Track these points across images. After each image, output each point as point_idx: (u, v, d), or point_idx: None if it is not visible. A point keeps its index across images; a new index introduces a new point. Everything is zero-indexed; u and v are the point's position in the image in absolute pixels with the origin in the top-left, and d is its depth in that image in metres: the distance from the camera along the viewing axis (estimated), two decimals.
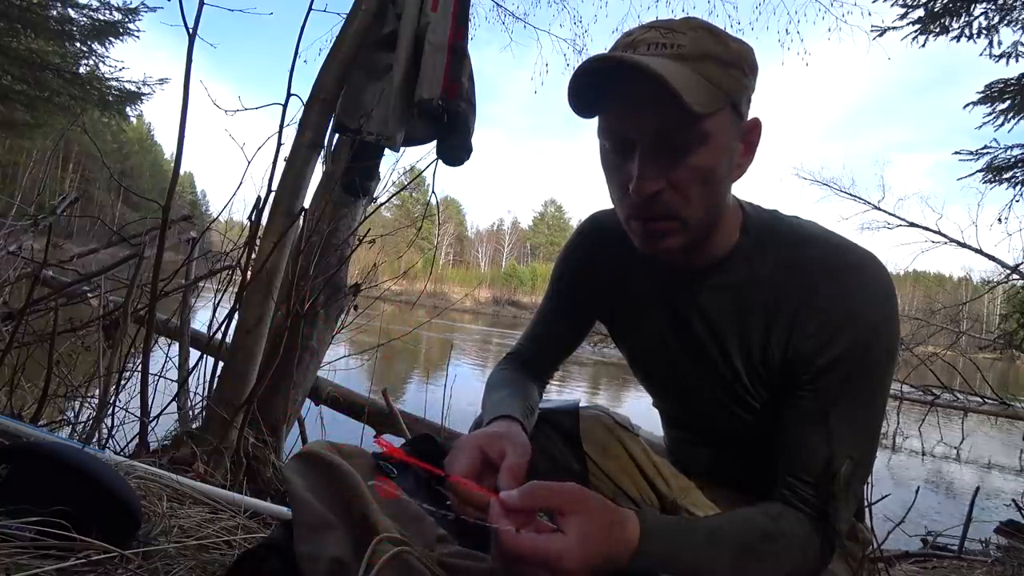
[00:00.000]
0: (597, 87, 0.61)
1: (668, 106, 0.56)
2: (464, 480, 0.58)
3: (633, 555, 0.52)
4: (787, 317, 0.66)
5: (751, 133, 0.66)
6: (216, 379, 1.56)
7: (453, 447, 0.64)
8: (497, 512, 0.51)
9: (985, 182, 5.92)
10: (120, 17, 9.57)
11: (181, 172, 1.53)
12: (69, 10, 9.26)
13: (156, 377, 1.64)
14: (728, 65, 0.61)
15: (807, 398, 0.65)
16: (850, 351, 0.63)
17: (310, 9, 1.71)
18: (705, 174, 0.62)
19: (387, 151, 1.74)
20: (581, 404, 0.89)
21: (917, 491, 1.61)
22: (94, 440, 1.40)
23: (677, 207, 0.63)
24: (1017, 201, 5.93)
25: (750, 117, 0.66)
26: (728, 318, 0.71)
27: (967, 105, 5.57)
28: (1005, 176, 5.78)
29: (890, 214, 10.20)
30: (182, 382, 1.75)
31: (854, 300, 0.63)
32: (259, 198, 1.60)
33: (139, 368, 1.52)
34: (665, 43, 0.60)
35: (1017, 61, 5.06)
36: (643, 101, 0.59)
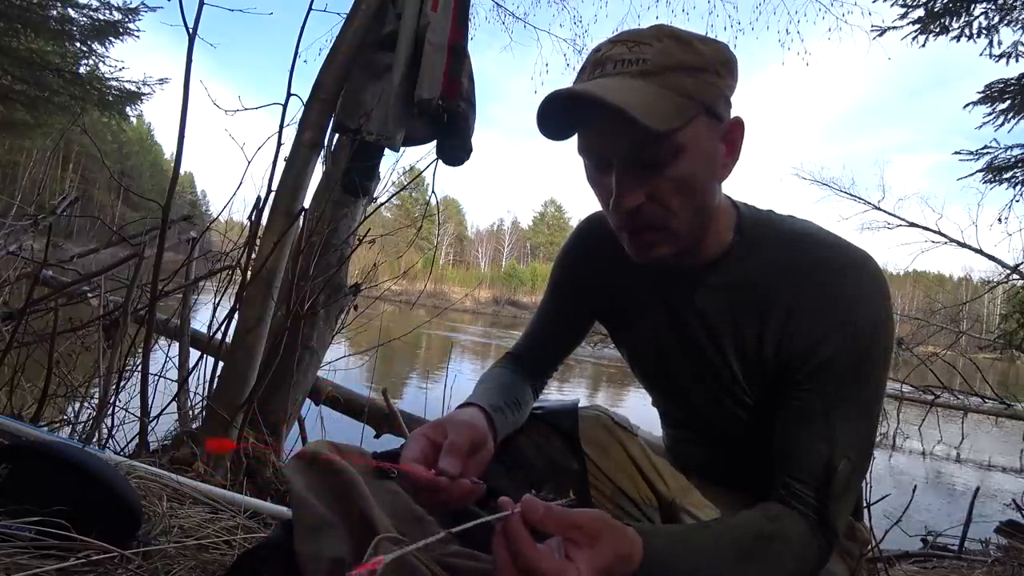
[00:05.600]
0: (566, 112, 0.62)
1: (633, 128, 0.57)
2: (409, 466, 0.58)
3: (634, 574, 0.52)
4: (781, 316, 0.66)
5: (732, 133, 0.66)
6: (216, 379, 1.56)
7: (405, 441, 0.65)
8: (515, 523, 0.48)
9: (985, 182, 5.91)
10: (120, 17, 9.53)
11: (181, 172, 1.53)
12: (69, 10, 9.22)
13: (156, 377, 1.65)
14: (699, 71, 0.61)
15: (802, 398, 0.65)
16: (844, 351, 0.63)
17: (310, 9, 1.72)
18: (684, 183, 0.62)
19: (387, 151, 1.74)
20: (580, 404, 0.89)
21: (914, 490, 1.61)
22: (94, 440, 1.40)
23: (661, 218, 0.63)
24: (1017, 201, 5.93)
25: (732, 116, 0.66)
26: (724, 318, 0.71)
27: (967, 105, 5.56)
28: (1005, 176, 5.77)
29: (890, 214, 10.25)
30: (182, 382, 1.75)
31: (848, 299, 0.63)
32: (259, 198, 1.60)
33: (139, 368, 1.52)
34: (631, 59, 0.61)
35: (1017, 61, 5.05)
36: (609, 124, 0.60)
